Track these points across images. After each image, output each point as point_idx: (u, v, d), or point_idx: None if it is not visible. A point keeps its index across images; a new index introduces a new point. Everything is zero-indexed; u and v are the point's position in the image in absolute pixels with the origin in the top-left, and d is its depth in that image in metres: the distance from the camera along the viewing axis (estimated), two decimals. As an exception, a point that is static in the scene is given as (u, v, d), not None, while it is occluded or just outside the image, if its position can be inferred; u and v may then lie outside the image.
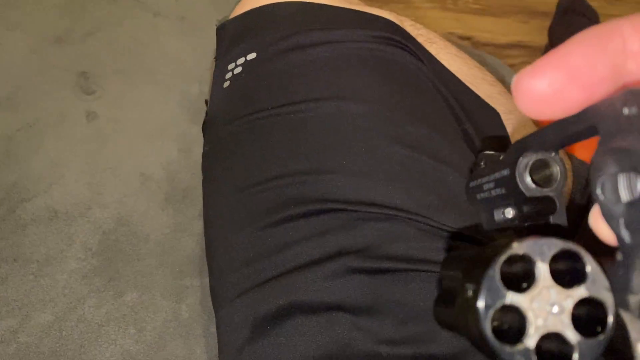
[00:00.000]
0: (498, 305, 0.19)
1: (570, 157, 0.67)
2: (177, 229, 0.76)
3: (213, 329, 0.70)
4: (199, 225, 0.77)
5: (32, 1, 0.96)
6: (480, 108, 0.58)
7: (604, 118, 0.16)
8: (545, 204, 0.23)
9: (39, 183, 0.77)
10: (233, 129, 0.54)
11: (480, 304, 0.19)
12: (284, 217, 0.50)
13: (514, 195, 0.23)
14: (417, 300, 0.45)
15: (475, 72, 0.62)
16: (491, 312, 0.19)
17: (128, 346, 0.67)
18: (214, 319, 0.55)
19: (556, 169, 0.22)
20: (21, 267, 0.70)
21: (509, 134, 0.59)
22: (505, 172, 0.23)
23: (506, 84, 0.72)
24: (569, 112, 0.17)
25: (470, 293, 0.19)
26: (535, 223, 0.24)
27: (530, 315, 0.19)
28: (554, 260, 0.19)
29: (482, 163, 0.28)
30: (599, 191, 0.17)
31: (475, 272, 0.19)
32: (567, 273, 0.19)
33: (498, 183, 0.24)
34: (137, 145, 0.83)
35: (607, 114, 0.16)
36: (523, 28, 1.37)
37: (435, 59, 0.58)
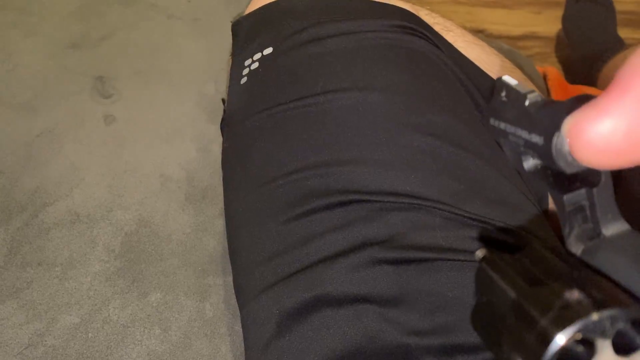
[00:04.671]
0: None
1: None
2: (199, 229, 0.76)
3: (238, 327, 0.70)
4: (220, 224, 0.77)
5: (48, 8, 0.97)
6: (501, 94, 0.57)
7: None
8: (587, 176, 0.20)
9: (60, 187, 0.78)
10: (252, 124, 0.54)
11: None
12: (307, 210, 0.50)
13: (550, 164, 0.19)
14: (444, 289, 0.44)
15: (493, 59, 0.61)
16: None
17: (154, 346, 0.67)
18: (239, 317, 0.55)
19: None
20: (45, 271, 0.71)
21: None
22: (539, 139, 0.20)
23: (525, 73, 0.71)
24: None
25: None
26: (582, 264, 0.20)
27: None
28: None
29: (503, 94, 0.22)
30: None
31: (526, 344, 0.17)
32: (625, 339, 0.17)
33: (529, 145, 0.21)
34: (156, 146, 0.83)
35: None
36: (536, 19, 1.35)
37: (453, 47, 0.58)
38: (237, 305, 0.55)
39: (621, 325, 0.16)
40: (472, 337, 0.43)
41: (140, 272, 0.72)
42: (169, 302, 0.71)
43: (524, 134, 0.20)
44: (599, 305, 0.16)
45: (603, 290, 0.17)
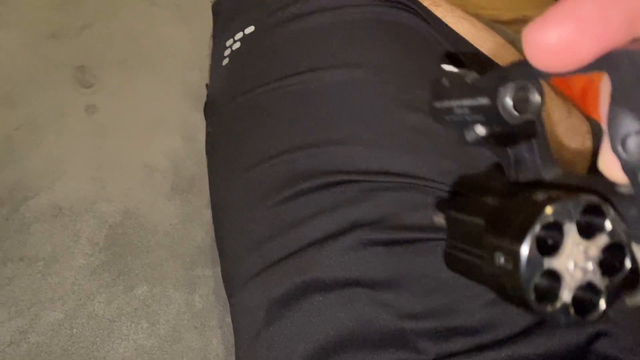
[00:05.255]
0: (537, 277, 0.19)
1: (589, 119, 0.64)
2: (186, 219, 0.74)
3: (229, 319, 0.68)
4: (208, 214, 0.75)
5: (25, -3, 0.94)
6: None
7: (619, 69, 0.16)
8: (526, 128, 0.23)
9: (42, 180, 0.76)
10: (235, 107, 0.52)
11: (523, 279, 0.19)
12: (295, 192, 0.48)
13: (494, 122, 0.23)
14: (438, 271, 0.43)
15: (484, 35, 0.59)
16: (532, 284, 0.19)
17: (142, 341, 0.65)
18: (229, 308, 0.54)
19: (536, 96, 0.22)
20: (28, 266, 0.68)
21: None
22: (484, 100, 0.23)
23: (517, 48, 0.69)
24: (581, 64, 0.16)
25: (502, 261, 0.20)
26: (525, 177, 0.24)
27: (565, 274, 0.19)
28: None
29: (445, 81, 0.26)
30: (619, 148, 0.17)
31: (505, 240, 0.20)
32: (588, 224, 0.20)
33: (475, 110, 0.23)
34: (140, 136, 0.81)
35: (623, 64, 0.15)
36: (529, 2, 1.33)
37: (442, 22, 0.56)
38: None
39: (580, 208, 0.20)
40: (469, 318, 0.41)
41: (126, 265, 0.70)
42: (157, 295, 0.69)
43: (469, 101, 0.23)
44: (558, 198, 0.19)
45: (558, 191, 0.20)
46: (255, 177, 0.50)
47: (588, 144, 0.63)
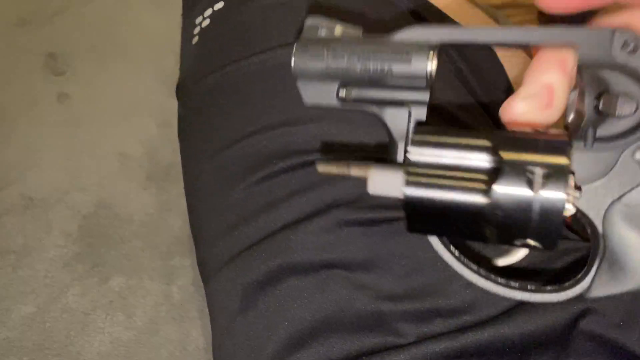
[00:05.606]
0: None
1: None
2: (162, 208, 0.72)
3: (208, 310, 0.67)
4: (185, 203, 0.73)
5: (-8, -16, 0.92)
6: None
7: (592, 46, 0.19)
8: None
9: (13, 171, 0.73)
10: (204, 87, 0.50)
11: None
12: (268, 174, 0.45)
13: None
14: (418, 251, 0.41)
15: (466, 9, 0.57)
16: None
17: (118, 333, 0.63)
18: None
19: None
20: (-2, 260, 0.66)
21: (507, 71, 0.55)
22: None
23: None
24: (571, 10, 0.20)
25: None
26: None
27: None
28: None
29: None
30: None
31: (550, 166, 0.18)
32: None
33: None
34: (113, 124, 0.79)
35: (599, 40, 0.19)
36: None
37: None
38: (206, 285, 0.51)
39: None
40: (451, 299, 0.39)
41: (101, 256, 0.68)
42: (133, 287, 0.67)
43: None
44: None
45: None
46: (227, 160, 0.48)
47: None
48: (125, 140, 0.77)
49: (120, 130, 0.78)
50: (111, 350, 0.62)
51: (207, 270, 0.50)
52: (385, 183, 0.22)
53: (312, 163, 0.43)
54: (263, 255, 0.44)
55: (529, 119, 0.20)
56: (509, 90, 0.56)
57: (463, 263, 0.23)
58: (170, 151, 0.76)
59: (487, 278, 0.23)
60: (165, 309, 0.66)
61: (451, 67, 0.50)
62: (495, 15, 0.70)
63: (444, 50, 0.51)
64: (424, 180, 0.20)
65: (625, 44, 0.19)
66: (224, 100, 0.48)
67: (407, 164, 0.20)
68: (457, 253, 0.23)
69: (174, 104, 0.79)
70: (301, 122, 0.45)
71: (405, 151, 0.21)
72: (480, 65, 0.53)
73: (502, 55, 0.55)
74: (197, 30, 0.52)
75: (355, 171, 0.23)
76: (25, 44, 0.85)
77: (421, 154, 0.20)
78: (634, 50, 0.19)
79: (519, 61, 0.58)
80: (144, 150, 0.76)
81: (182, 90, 0.55)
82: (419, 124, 0.22)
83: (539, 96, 0.20)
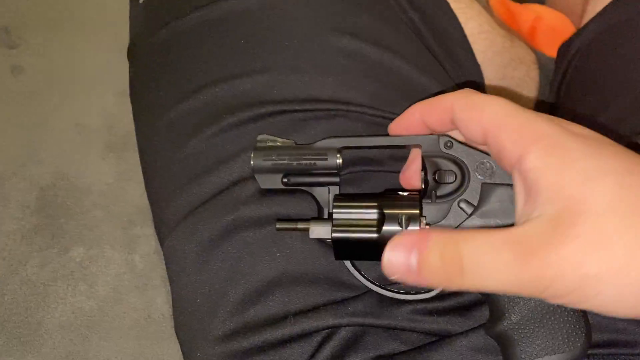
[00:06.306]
0: None
1: (536, 52, 0.63)
2: (121, 178, 0.71)
3: (172, 278, 0.66)
4: (146, 173, 0.72)
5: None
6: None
7: (428, 145, 0.33)
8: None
9: (-34, 146, 0.72)
10: (153, 44, 0.48)
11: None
12: (220, 128, 0.44)
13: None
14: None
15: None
16: None
17: (80, 303, 0.63)
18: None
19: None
20: (-47, 235, 0.65)
21: (462, 23, 0.55)
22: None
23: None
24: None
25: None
26: None
27: None
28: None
29: None
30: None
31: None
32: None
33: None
34: (70, 95, 0.77)
35: (432, 142, 0.32)
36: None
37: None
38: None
39: None
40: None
41: (60, 227, 0.67)
42: (94, 257, 0.66)
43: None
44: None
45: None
46: (178, 117, 0.47)
47: (534, 74, 0.61)
48: (83, 111, 0.75)
49: (77, 101, 0.76)
50: (73, 321, 0.61)
51: (163, 231, 0.49)
52: (321, 231, 0.33)
53: (266, 115, 0.42)
54: (216, 211, 0.43)
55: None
56: (464, 43, 0.56)
57: (366, 278, 0.33)
58: (129, 120, 0.74)
59: (380, 287, 0.33)
60: (128, 278, 0.65)
61: (403, 17, 0.50)
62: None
63: (395, 1, 0.50)
64: (343, 228, 0.32)
65: (445, 143, 0.32)
66: (171, 56, 0.47)
67: (332, 219, 0.32)
68: (362, 273, 0.33)
69: (131, 73, 0.77)
70: (250, 73, 0.44)
71: (330, 212, 0.34)
72: (433, 16, 0.53)
73: (456, 7, 0.55)
74: (144, -11, 0.51)
75: (301, 225, 0.33)
76: (-24, 17, 0.82)
77: (339, 213, 0.32)
78: (450, 147, 0.32)
79: (473, 14, 0.57)
80: (102, 121, 0.75)
81: (131, 52, 0.54)
82: (336, 195, 0.34)
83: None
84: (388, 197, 0.33)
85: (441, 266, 0.27)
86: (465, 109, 0.30)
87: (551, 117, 0.28)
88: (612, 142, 0.28)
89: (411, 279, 0.27)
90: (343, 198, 0.34)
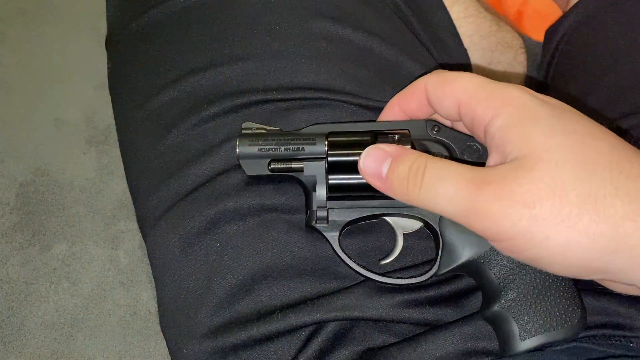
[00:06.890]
0: None
1: (523, 36, 0.62)
2: (103, 172, 0.70)
3: (158, 273, 0.65)
4: (128, 167, 0.71)
5: None
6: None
7: (417, 129, 0.33)
8: None
9: (-58, 143, 0.70)
10: (130, 34, 0.47)
11: None
12: (201, 119, 0.43)
13: None
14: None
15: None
16: None
17: (63, 301, 0.61)
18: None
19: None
20: None
21: (448, 7, 0.54)
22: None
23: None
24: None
25: None
26: None
27: None
28: None
29: None
30: None
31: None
32: None
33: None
34: (48, 89, 0.75)
35: (419, 127, 0.33)
36: None
37: None
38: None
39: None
40: (390, 240, 0.39)
41: (41, 224, 0.65)
42: (77, 253, 0.64)
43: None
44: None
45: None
46: (158, 107, 0.45)
47: (521, 58, 0.61)
48: (61, 105, 0.74)
49: (55, 95, 0.74)
50: (57, 319, 0.60)
51: (145, 225, 0.48)
52: (314, 165, 0.33)
53: (247, 105, 0.41)
54: (200, 204, 0.42)
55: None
56: (450, 26, 0.55)
57: (357, 263, 0.33)
58: (109, 114, 0.73)
59: (367, 269, 0.33)
60: (112, 274, 0.64)
61: (388, 1, 0.49)
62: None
63: None
64: (339, 149, 0.33)
65: (433, 127, 0.33)
66: (149, 45, 0.45)
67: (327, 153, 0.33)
68: (352, 259, 0.33)
69: (111, 66, 0.76)
70: (231, 61, 0.43)
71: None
72: (418, 2, 0.52)
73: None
74: (120, -23, 0.50)
75: (295, 164, 0.34)
76: (-52, 10, 0.80)
77: (335, 136, 0.33)
78: (438, 130, 0.33)
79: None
80: (82, 114, 0.73)
81: (109, 42, 0.52)
82: (330, 132, 0.34)
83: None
84: (380, 125, 0.34)
85: (405, 176, 0.29)
86: (437, 86, 0.31)
87: (521, 86, 0.29)
88: (578, 111, 0.29)
89: (379, 183, 0.30)
90: (338, 132, 0.34)
